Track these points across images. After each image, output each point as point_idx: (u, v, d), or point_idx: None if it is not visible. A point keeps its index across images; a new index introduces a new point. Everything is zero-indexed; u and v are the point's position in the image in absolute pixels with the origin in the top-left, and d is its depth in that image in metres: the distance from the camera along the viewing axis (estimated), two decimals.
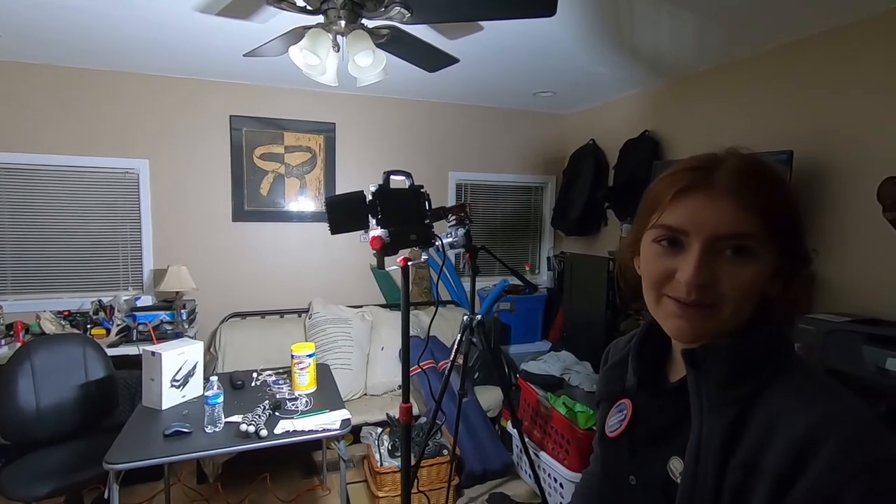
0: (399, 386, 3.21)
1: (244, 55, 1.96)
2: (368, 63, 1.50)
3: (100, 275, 3.26)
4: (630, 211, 3.04)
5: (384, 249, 1.27)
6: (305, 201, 3.65)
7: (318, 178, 3.67)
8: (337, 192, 3.69)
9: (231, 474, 2.67)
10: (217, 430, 1.81)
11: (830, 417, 0.48)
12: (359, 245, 3.80)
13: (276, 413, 1.97)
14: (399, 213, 1.30)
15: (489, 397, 3.14)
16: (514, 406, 2.35)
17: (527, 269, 4.30)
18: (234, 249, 3.51)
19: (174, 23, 2.26)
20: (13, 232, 3.07)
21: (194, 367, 2.11)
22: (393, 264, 1.33)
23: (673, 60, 2.79)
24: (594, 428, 2.34)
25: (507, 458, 2.76)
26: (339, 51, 1.53)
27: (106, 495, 1.63)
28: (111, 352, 2.67)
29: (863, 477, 0.43)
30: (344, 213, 1.26)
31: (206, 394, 1.80)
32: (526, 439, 2.42)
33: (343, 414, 1.97)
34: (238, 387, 2.23)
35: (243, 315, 3.48)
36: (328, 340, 3.20)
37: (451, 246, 1.89)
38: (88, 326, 2.92)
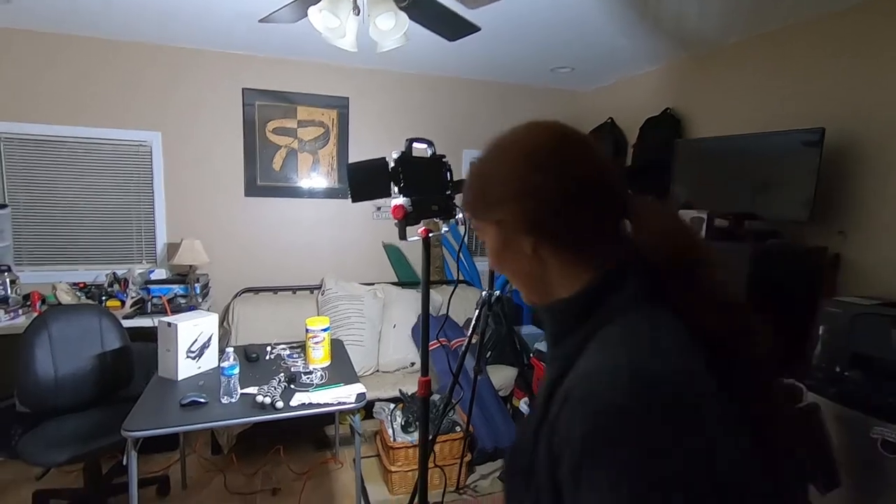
0: (412, 363, 3.21)
1: (260, 21, 1.90)
2: (390, 26, 1.44)
3: (114, 247, 3.26)
4: (650, 192, 2.96)
5: (406, 218, 1.23)
6: (318, 177, 3.62)
7: (331, 154, 3.63)
8: None
9: (245, 446, 2.70)
10: (233, 400, 1.81)
11: (596, 365, 0.50)
12: (371, 222, 3.78)
13: (292, 386, 1.96)
14: (421, 182, 1.26)
15: (501, 376, 3.13)
16: (530, 385, 2.34)
17: None
18: (246, 224, 3.49)
19: None
20: (29, 203, 3.07)
21: (209, 338, 2.10)
22: (414, 235, 1.30)
23: (698, 33, 2.69)
24: None
25: None
26: (359, 13, 1.47)
27: (124, 462, 1.64)
28: (126, 323, 2.68)
29: (584, 423, 0.45)
30: (366, 180, 1.22)
31: (223, 365, 1.80)
32: None
33: (358, 388, 1.96)
34: (253, 360, 2.23)
35: (256, 290, 3.48)
36: (341, 317, 3.19)
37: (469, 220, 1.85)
38: (103, 298, 2.93)
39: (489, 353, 3.28)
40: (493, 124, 3.45)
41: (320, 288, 3.43)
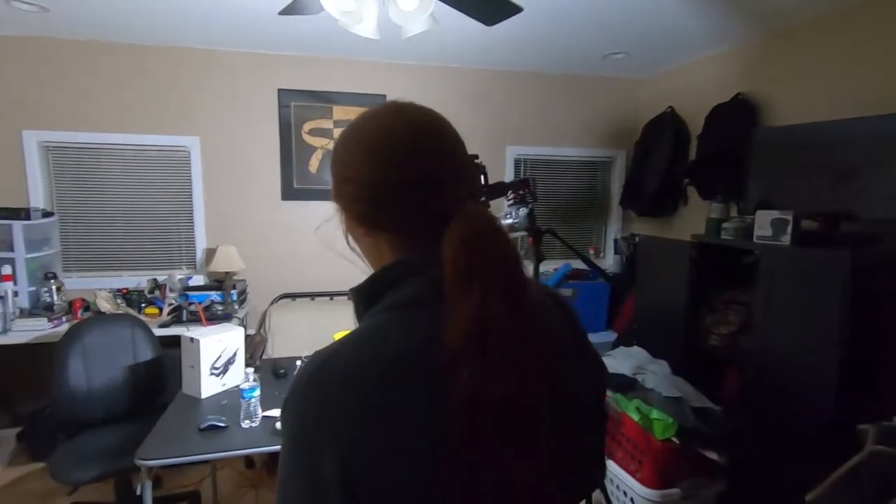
0: None
1: (279, 13, 1.75)
2: (413, 6, 1.25)
3: (156, 254, 3.27)
4: (718, 187, 2.62)
5: None
6: None
7: None
8: None
9: (277, 462, 2.60)
10: (254, 425, 1.69)
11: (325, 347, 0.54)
12: None
13: None
14: None
15: None
16: None
17: (591, 252, 3.94)
18: (283, 228, 3.42)
19: None
20: (76, 211, 3.12)
21: (234, 354, 2.00)
22: None
23: (777, 8, 2.32)
24: (673, 439, 2.03)
25: None
26: None
27: (138, 492, 1.55)
28: (163, 332, 2.65)
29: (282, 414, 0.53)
30: None
31: (242, 387, 1.67)
32: None
33: None
34: (280, 376, 2.11)
35: (293, 296, 3.40)
36: None
37: (511, 228, 1.62)
38: (143, 305, 2.93)
39: None
40: (538, 118, 3.17)
41: None
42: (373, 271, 0.61)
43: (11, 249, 2.73)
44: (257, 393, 1.69)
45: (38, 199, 3.02)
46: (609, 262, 3.96)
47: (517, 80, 3.63)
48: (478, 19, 1.73)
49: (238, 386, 1.86)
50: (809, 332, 1.84)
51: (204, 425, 1.64)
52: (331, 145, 3.40)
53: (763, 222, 2.06)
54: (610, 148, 3.88)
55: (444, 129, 0.62)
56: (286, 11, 1.67)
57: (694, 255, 2.49)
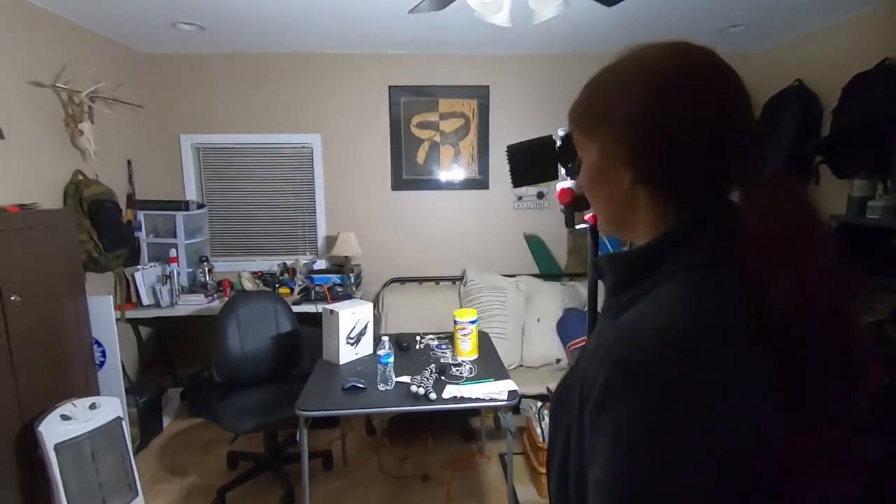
0: (557, 360, 3.05)
1: (409, 11, 1.90)
2: None
3: (284, 240, 3.66)
4: (858, 164, 2.39)
5: (575, 203, 1.09)
6: (459, 169, 3.63)
7: (472, 144, 3.60)
8: (491, 156, 3.60)
9: (395, 430, 2.82)
10: (389, 388, 1.86)
11: (632, 318, 0.50)
12: (511, 212, 3.68)
13: (442, 377, 1.96)
14: None
15: None
16: None
17: None
18: (393, 217, 3.65)
19: None
20: (220, 203, 3.58)
21: (365, 326, 2.20)
22: (582, 222, 1.16)
23: None
24: None
25: None
26: None
27: (297, 437, 1.78)
28: (295, 308, 2.97)
29: (603, 372, 0.46)
30: (529, 162, 1.11)
31: (379, 352, 1.86)
32: None
33: (509, 384, 1.88)
34: (404, 348, 2.29)
35: (402, 281, 3.62)
36: (483, 309, 3.16)
37: None
38: (276, 286, 3.30)
39: None
40: None
41: (462, 279, 3.44)
42: (606, 219, 0.59)
43: (174, 236, 3.21)
44: (391, 360, 1.86)
45: (191, 193, 3.51)
46: None
47: None
48: (600, 0, 1.76)
49: (373, 353, 2.06)
50: None
51: (347, 385, 1.85)
52: (437, 137, 3.57)
53: None
54: None
55: (732, 71, 0.53)
56: (416, 10, 1.82)
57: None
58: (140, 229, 3.19)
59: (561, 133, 1.11)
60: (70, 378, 2.18)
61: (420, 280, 3.63)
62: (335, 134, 3.54)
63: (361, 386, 1.86)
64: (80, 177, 2.70)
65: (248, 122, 3.47)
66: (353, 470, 2.57)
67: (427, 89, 3.52)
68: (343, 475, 2.53)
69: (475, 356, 2.17)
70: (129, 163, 3.17)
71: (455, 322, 2.17)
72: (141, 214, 3.19)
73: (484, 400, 1.79)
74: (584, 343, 2.79)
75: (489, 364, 2.11)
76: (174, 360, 3.48)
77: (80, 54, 2.69)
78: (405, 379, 1.93)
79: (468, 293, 3.28)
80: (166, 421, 3.03)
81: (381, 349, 1.87)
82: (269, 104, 3.47)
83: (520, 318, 3.19)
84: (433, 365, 2.03)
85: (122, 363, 2.71)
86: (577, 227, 1.15)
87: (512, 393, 1.82)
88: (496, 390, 1.84)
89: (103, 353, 2.48)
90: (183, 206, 3.21)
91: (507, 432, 1.87)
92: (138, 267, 3.04)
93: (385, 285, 3.58)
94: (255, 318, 2.58)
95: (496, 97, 3.56)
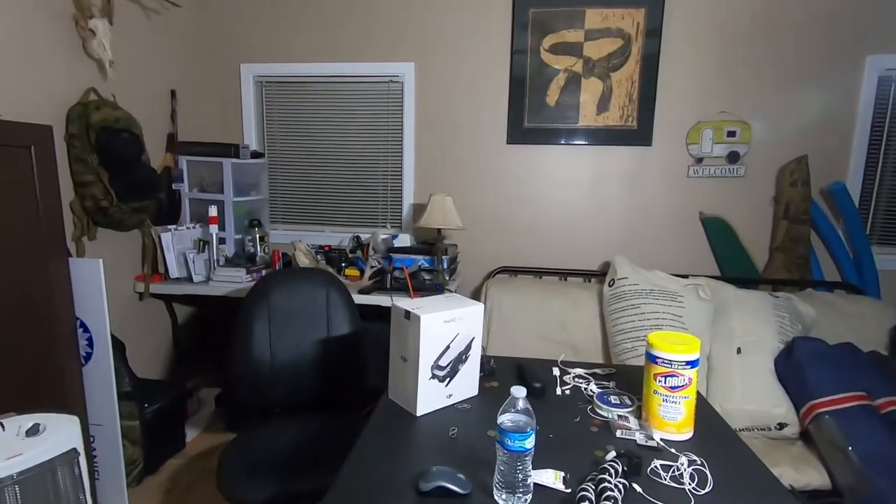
0: (780, 424, 1.80)
1: None
2: None
3: (359, 208, 2.77)
4: None
5: None
6: (608, 114, 2.47)
7: (631, 78, 2.43)
8: (660, 96, 2.41)
9: None
10: (523, 499, 0.82)
11: None
12: (684, 181, 2.22)
13: (633, 478, 0.87)
14: None
15: None
16: None
17: None
18: (507, 182, 2.60)
19: None
20: (284, 154, 2.77)
21: (469, 346, 1.18)
22: None
23: None
24: None
25: None
26: None
27: None
28: (362, 299, 2.06)
29: None
30: None
31: (503, 422, 0.81)
32: None
33: None
34: (537, 393, 1.23)
35: (514, 271, 2.57)
36: (641, 322, 2.01)
37: None
38: (343, 265, 2.42)
39: None
40: None
41: (605, 275, 2.30)
42: None
43: (221, 191, 2.44)
44: (531, 441, 0.81)
45: (251, 138, 2.74)
46: None
47: None
48: None
49: (472, 398, 1.03)
50: None
51: (428, 487, 0.83)
52: (578, 66, 2.44)
53: None
54: None
55: None
56: None
57: None
58: (182, 180, 2.46)
59: None
60: (40, 379, 1.43)
61: (539, 272, 2.55)
62: (434, 62, 2.56)
63: (458, 490, 0.83)
64: (94, 96, 1.98)
65: (320, 48, 2.61)
66: None
67: None
68: None
69: (689, 433, 1.05)
70: (172, 94, 2.45)
71: (651, 358, 1.07)
72: (184, 161, 2.47)
73: None
74: (851, 404, 1.55)
75: (716, 448, 0.98)
76: (220, 349, 2.75)
77: None
78: (547, 476, 0.88)
79: (617, 297, 2.13)
80: (191, 435, 2.27)
81: (509, 413, 0.83)
82: (348, 25, 2.57)
83: (704, 343, 1.99)
84: (611, 447, 0.96)
85: (124, 355, 1.97)
86: None
87: None
88: None
89: (90, 342, 1.73)
90: (233, 151, 2.43)
91: None
92: (169, 227, 2.30)
93: (489, 276, 2.55)
94: (296, 310, 1.68)
95: (676, 7, 2.35)
